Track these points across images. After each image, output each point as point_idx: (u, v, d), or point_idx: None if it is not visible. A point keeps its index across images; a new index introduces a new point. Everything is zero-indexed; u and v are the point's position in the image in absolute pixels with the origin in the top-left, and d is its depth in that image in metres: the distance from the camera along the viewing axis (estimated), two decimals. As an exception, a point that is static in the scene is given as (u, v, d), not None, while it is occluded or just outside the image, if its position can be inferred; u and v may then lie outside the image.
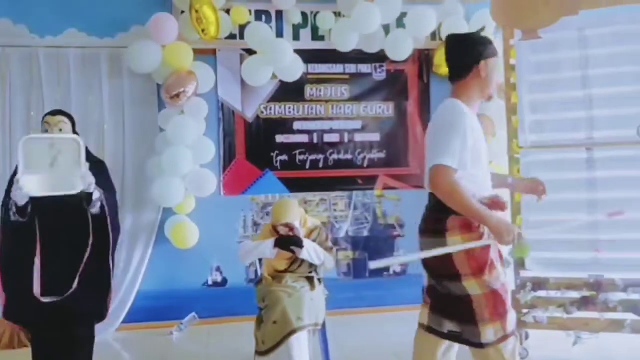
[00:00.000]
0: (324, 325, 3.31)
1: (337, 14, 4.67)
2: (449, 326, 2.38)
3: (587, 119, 3.56)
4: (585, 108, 3.56)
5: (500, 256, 2.40)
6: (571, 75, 3.58)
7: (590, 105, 3.55)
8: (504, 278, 2.36)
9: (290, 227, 3.18)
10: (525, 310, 3.61)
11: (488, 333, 2.27)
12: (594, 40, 3.52)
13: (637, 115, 3.41)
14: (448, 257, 2.28)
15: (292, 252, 3.18)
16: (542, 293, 3.64)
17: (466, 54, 2.35)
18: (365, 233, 4.92)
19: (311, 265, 3.28)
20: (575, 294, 3.56)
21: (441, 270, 2.35)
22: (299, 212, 3.32)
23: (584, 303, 3.51)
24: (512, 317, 2.34)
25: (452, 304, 2.35)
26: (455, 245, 2.28)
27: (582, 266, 3.57)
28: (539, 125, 3.68)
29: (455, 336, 2.37)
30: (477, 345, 2.29)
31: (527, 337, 3.90)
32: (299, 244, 3.15)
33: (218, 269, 4.66)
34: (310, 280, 3.26)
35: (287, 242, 3.17)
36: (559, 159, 3.64)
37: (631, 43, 3.43)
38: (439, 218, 2.37)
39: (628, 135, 3.44)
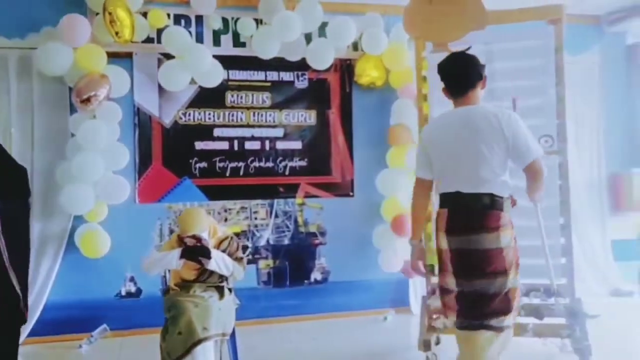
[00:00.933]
0: (233, 334, 3.26)
1: (258, 21, 4.66)
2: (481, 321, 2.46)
3: (493, 130, 3.69)
4: (491, 119, 3.69)
5: None
6: (479, 88, 3.71)
7: (496, 116, 3.68)
8: None
9: (197, 239, 3.12)
10: (435, 316, 3.69)
11: (509, 320, 2.46)
12: (499, 55, 3.67)
13: (538, 127, 3.56)
14: (500, 253, 2.43)
15: (200, 263, 3.12)
16: (451, 298, 3.73)
17: (478, 67, 2.58)
18: (286, 241, 4.90)
19: (221, 275, 3.23)
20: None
21: (490, 267, 2.43)
22: (208, 221, 3.25)
23: (490, 308, 3.61)
24: None
25: (486, 302, 2.44)
26: (506, 240, 2.44)
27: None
28: (449, 135, 3.79)
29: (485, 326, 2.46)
30: (497, 329, 2.44)
31: (438, 342, 4.00)
32: (207, 255, 3.09)
33: (132, 279, 4.52)
34: (219, 289, 3.20)
35: (194, 252, 3.10)
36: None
37: (532, 58, 3.60)
38: (494, 215, 2.45)
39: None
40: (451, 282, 2.54)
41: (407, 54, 4.66)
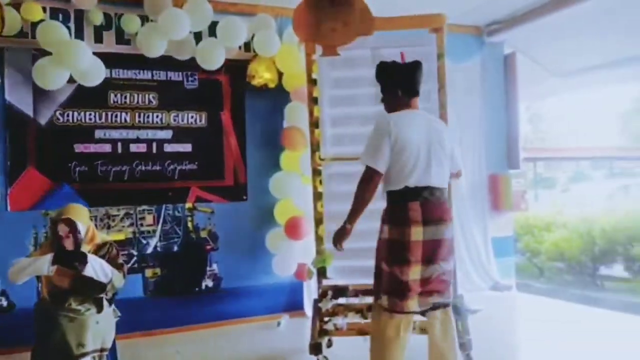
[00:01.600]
0: (113, 349, 3.06)
1: (144, 18, 4.45)
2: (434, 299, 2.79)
3: (381, 133, 3.77)
4: (379, 123, 3.77)
5: None
6: (367, 92, 3.77)
7: (383, 120, 3.76)
8: None
9: (71, 226, 2.85)
10: (326, 318, 3.70)
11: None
12: (386, 60, 3.74)
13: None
14: (452, 240, 2.82)
15: (75, 268, 2.87)
16: (342, 300, 3.76)
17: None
18: (176, 248, 4.71)
19: (99, 284, 3.00)
20: (371, 299, 3.72)
21: (450, 253, 2.80)
22: (87, 221, 3.01)
23: (380, 308, 3.68)
24: None
25: (445, 283, 2.81)
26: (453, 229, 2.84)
27: (377, 273, 3.76)
28: (339, 138, 3.82)
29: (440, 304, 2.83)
30: (448, 305, 2.89)
31: (330, 345, 4.01)
32: (82, 260, 2.85)
33: (3, 293, 4.13)
34: (97, 301, 2.98)
35: (69, 257, 2.86)
36: (358, 171, 3.80)
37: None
38: (449, 208, 2.94)
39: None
40: (417, 271, 2.71)
41: (300, 56, 4.65)
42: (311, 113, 3.85)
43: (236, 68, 4.84)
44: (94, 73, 4.22)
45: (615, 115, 33.16)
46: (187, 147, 4.75)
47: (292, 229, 4.70)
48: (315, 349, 3.55)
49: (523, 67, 6.08)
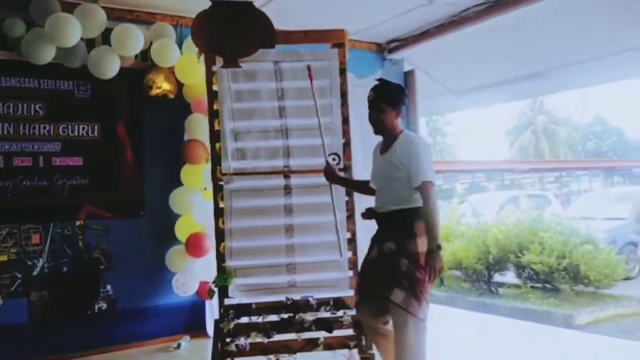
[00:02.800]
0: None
1: (30, 22, 4.12)
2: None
3: (284, 147, 3.73)
4: (282, 137, 3.73)
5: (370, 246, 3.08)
6: (269, 105, 3.73)
7: (286, 134, 3.73)
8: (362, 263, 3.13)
9: None
10: (228, 339, 3.57)
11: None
12: (288, 74, 3.72)
13: (326, 146, 3.67)
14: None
15: None
16: (244, 319, 3.65)
17: None
18: (65, 269, 4.37)
19: None
20: (275, 317, 3.65)
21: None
22: None
23: (283, 325, 3.61)
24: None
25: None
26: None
27: (280, 289, 3.70)
28: (241, 152, 3.73)
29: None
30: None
31: (233, 366, 3.88)
32: None
33: None
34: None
35: None
36: (259, 186, 3.74)
37: (320, 78, 3.70)
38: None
39: (319, 163, 3.69)
40: None
41: (200, 67, 4.51)
42: (212, 126, 3.72)
43: (133, 78, 4.59)
44: (-29, 79, 3.85)
45: (505, 131, 35.61)
46: (78, 161, 4.44)
47: (194, 246, 4.52)
48: (216, 371, 3.41)
49: (423, 83, 6.30)
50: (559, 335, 4.88)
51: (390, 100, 3.02)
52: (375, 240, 3.02)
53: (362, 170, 5.77)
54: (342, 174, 3.69)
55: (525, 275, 8.41)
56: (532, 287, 8.17)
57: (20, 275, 4.19)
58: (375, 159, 3.17)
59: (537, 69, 5.79)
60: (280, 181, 3.73)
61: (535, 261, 7.96)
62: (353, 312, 3.67)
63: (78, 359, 4.27)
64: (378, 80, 3.13)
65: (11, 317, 4.11)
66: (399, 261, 2.80)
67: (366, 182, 3.28)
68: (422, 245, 2.81)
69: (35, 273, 4.25)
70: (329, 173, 3.39)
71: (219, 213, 3.70)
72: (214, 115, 3.72)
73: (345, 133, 3.77)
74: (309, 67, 3.50)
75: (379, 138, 3.17)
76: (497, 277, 8.76)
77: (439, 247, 2.75)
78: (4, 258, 4.13)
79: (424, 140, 3.01)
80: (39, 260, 4.27)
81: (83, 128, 4.47)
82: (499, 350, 4.23)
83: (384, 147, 3.06)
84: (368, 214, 3.13)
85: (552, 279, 7.94)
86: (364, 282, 3.08)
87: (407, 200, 2.89)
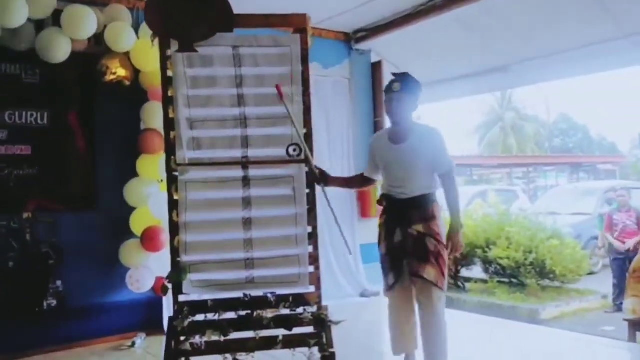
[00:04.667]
0: None
1: (-29, 1, 3.86)
2: None
3: (242, 137, 3.55)
4: (240, 126, 3.55)
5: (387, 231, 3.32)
6: (227, 93, 3.54)
7: (245, 123, 3.55)
8: (383, 249, 3.36)
9: None
10: (182, 338, 3.39)
11: None
12: (247, 60, 3.54)
13: (286, 136, 3.52)
14: None
15: None
16: (200, 317, 3.48)
17: None
18: (11, 264, 4.12)
19: None
20: (232, 315, 3.48)
21: None
22: None
23: (241, 323, 3.45)
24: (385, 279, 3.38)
25: None
26: None
27: (238, 285, 3.53)
28: (197, 142, 3.54)
29: None
30: None
31: (188, 366, 3.70)
32: None
33: None
34: None
35: None
36: (216, 177, 3.55)
37: (280, 65, 3.54)
38: None
39: (279, 154, 3.54)
40: None
41: (157, 52, 4.30)
42: (166, 114, 3.51)
43: (85, 63, 4.36)
44: None
45: (474, 127, 35.96)
46: (25, 150, 4.20)
47: (149, 240, 4.33)
48: (168, 372, 3.23)
49: (390, 75, 6.18)
50: (524, 330, 4.84)
51: (410, 91, 3.21)
52: (397, 224, 3.21)
53: (326, 161, 5.69)
54: (302, 165, 3.55)
55: (492, 270, 8.40)
56: (498, 282, 8.17)
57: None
58: (385, 149, 3.32)
59: (503, 62, 5.73)
60: (238, 172, 3.54)
61: (502, 256, 7.95)
62: (313, 309, 3.54)
63: (25, 359, 4.04)
64: (401, 74, 3.30)
65: None
66: (427, 241, 3.11)
67: (356, 177, 3.65)
68: (440, 225, 3.17)
69: (-23, 269, 4.00)
70: (320, 177, 3.46)
71: (173, 205, 3.51)
72: (168, 102, 3.51)
73: (307, 123, 3.60)
74: (277, 87, 3.38)
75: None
76: (464, 272, 8.74)
77: (461, 227, 3.17)
78: (-56, 252, 3.87)
79: (435, 128, 3.28)
80: (-18, 256, 4.02)
81: (31, 115, 4.23)
82: (463, 346, 4.15)
83: (399, 138, 3.24)
84: (384, 200, 3.33)
85: (518, 274, 7.95)
86: (395, 264, 3.25)
87: (429, 186, 3.20)
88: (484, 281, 8.44)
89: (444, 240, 3.17)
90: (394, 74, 3.33)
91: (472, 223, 8.56)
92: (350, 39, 5.95)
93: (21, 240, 4.17)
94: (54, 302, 4.27)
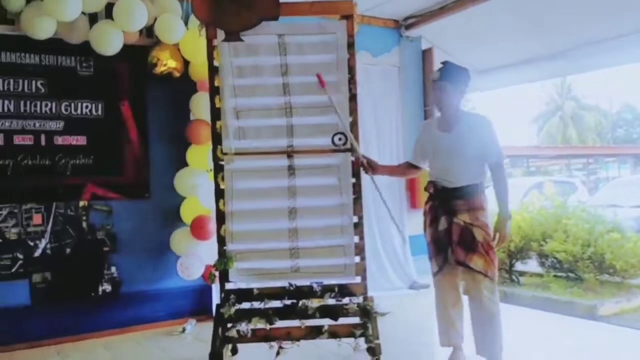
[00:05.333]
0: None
1: (29, -4, 4.00)
2: None
3: (287, 126, 3.54)
4: (286, 115, 3.54)
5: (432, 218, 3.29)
6: (273, 82, 3.53)
7: (290, 112, 3.54)
8: (428, 236, 3.34)
9: None
10: (229, 325, 3.43)
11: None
12: (293, 48, 3.52)
13: (332, 124, 3.49)
14: None
15: None
16: (246, 305, 3.51)
17: None
18: (69, 250, 4.28)
19: None
20: (277, 303, 3.50)
21: None
22: None
23: (286, 311, 3.46)
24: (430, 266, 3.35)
25: None
26: None
27: (283, 274, 3.54)
28: (243, 131, 3.55)
29: None
30: None
31: (235, 352, 3.75)
32: None
33: None
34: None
35: None
36: (262, 166, 3.56)
37: (326, 53, 3.50)
38: None
39: (325, 143, 3.51)
40: None
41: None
42: (213, 103, 3.55)
43: (137, 54, 4.45)
44: (-31, 55, 3.75)
45: (533, 117, 34.82)
46: (81, 140, 4.33)
47: (199, 229, 4.40)
48: (216, 358, 3.27)
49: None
50: (582, 327, 4.64)
51: (452, 79, 3.16)
52: (443, 212, 3.18)
53: (375, 151, 5.61)
54: (348, 154, 3.52)
55: (548, 264, 8.08)
56: (554, 276, 7.86)
57: (21, 257, 4.11)
58: (433, 137, 3.28)
59: (561, 47, 5.48)
60: (283, 162, 3.54)
61: (558, 249, 7.63)
62: (359, 299, 3.51)
63: (81, 342, 4.20)
64: (444, 62, 3.25)
65: (12, 299, 4.04)
66: (474, 231, 3.07)
67: (402, 165, 3.61)
68: (487, 216, 3.14)
69: (37, 254, 4.17)
70: (367, 166, 3.43)
71: (219, 194, 3.55)
72: (215, 92, 3.55)
73: (353, 111, 3.55)
74: (318, 75, 3.35)
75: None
76: (519, 266, 8.47)
77: (509, 217, 3.11)
78: (5, 239, 4.05)
79: (487, 117, 3.21)
80: (41, 241, 4.18)
81: (86, 106, 4.35)
82: (518, 341, 4.01)
83: (447, 126, 3.21)
84: (431, 187, 3.27)
85: (575, 268, 7.61)
86: (439, 251, 3.23)
87: (477, 176, 3.15)
88: (539, 275, 8.15)
89: (491, 231, 3.12)
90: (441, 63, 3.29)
91: (527, 215, 8.28)
92: (400, 26, 5.83)
93: (78, 228, 4.32)
94: (108, 288, 4.41)
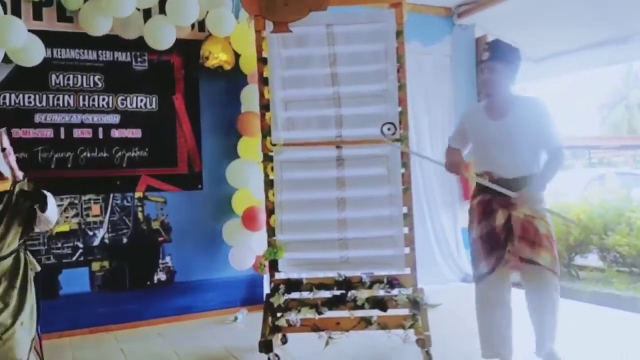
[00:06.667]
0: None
1: (87, -6, 4.14)
2: None
3: (336, 116, 3.53)
4: (334, 105, 3.52)
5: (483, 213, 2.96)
6: (321, 72, 3.53)
7: (339, 102, 3.52)
8: (477, 232, 2.98)
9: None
10: (279, 314, 3.46)
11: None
12: (341, 38, 3.50)
13: (380, 114, 3.45)
14: None
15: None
16: (295, 295, 3.53)
17: None
18: (125, 240, 4.43)
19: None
20: (326, 294, 3.50)
21: None
22: None
23: (335, 302, 3.46)
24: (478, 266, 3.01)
25: None
26: None
27: (332, 265, 3.54)
28: (291, 122, 3.57)
29: None
30: None
31: (285, 341, 3.79)
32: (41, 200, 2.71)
33: None
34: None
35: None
36: (311, 157, 3.57)
37: (374, 42, 3.47)
38: None
39: (374, 133, 3.48)
40: None
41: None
42: (262, 95, 3.59)
43: (189, 48, 4.55)
44: (32, 52, 3.91)
45: (597, 106, 33.38)
46: (136, 133, 4.45)
47: (250, 220, 4.45)
48: (266, 346, 3.31)
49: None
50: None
51: (503, 59, 2.87)
52: (499, 205, 2.89)
53: (427, 142, 5.52)
54: (397, 144, 3.46)
55: (610, 258, 7.74)
56: (617, 271, 7.52)
57: (81, 245, 4.28)
58: (482, 125, 2.99)
59: (622, 32, 5.20)
60: (332, 152, 3.54)
61: (621, 243, 7.30)
62: (409, 291, 3.47)
63: (136, 329, 4.34)
64: (493, 41, 2.99)
65: (73, 287, 4.22)
66: (537, 224, 2.82)
67: (458, 152, 3.19)
68: (545, 208, 2.90)
69: (96, 243, 4.33)
70: (454, 164, 3.11)
71: (269, 185, 3.58)
72: (263, 83, 3.58)
73: (402, 101, 3.50)
74: None
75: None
76: (578, 260, 8.16)
77: (543, 189, 2.86)
78: (66, 228, 4.23)
79: (543, 101, 2.95)
80: (99, 231, 4.35)
81: (141, 100, 4.48)
82: (578, 338, 3.87)
83: (497, 112, 2.92)
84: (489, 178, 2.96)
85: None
86: (494, 249, 2.91)
87: (535, 165, 2.89)
88: (601, 270, 7.82)
89: (552, 224, 2.89)
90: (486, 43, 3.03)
91: (588, 207, 7.96)
92: (452, 14, 5.69)
93: (134, 218, 4.46)
94: (163, 277, 4.54)
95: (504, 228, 2.88)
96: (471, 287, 5.39)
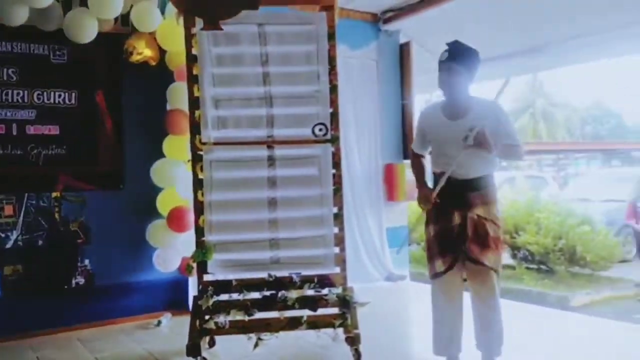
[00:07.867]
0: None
1: (0, -20, 3.88)
2: None
3: (268, 116, 3.53)
4: (266, 105, 3.52)
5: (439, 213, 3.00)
6: (252, 71, 3.51)
7: (270, 102, 3.52)
8: (433, 231, 3.04)
9: None
10: (207, 317, 3.40)
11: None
12: (273, 38, 3.49)
13: (312, 115, 3.48)
14: None
15: None
16: (224, 296, 3.48)
17: None
18: (40, 242, 4.18)
19: None
20: (256, 295, 3.48)
21: None
22: None
23: (265, 303, 3.45)
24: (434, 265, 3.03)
25: None
26: None
27: (263, 265, 3.52)
28: (222, 121, 3.52)
29: None
30: None
31: (213, 344, 3.73)
32: None
33: None
34: None
35: None
36: (241, 156, 3.54)
37: (306, 43, 3.49)
38: None
39: (305, 134, 3.51)
40: None
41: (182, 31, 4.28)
42: (191, 92, 3.51)
43: (112, 43, 4.35)
44: (-64, 40, 3.62)
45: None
46: (54, 130, 4.22)
47: (176, 220, 4.34)
48: (193, 350, 3.24)
49: (420, 57, 6.05)
50: (554, 317, 4.73)
51: (464, 62, 2.89)
52: (455, 206, 2.94)
53: (354, 143, 5.62)
54: (328, 145, 3.51)
55: (520, 256, 8.28)
56: (526, 268, 8.04)
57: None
58: (439, 125, 3.01)
59: (538, 42, 5.55)
60: (263, 152, 3.53)
61: (530, 242, 7.82)
62: (338, 290, 3.51)
63: (54, 335, 4.11)
64: (452, 42, 2.97)
65: None
66: (488, 226, 2.91)
67: (418, 161, 3.20)
68: (499, 210, 3.01)
69: (8, 246, 4.06)
70: (426, 198, 3.01)
71: (198, 185, 3.51)
72: (193, 80, 3.50)
73: (333, 102, 3.55)
74: None
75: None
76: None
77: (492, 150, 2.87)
78: (-25, 230, 3.95)
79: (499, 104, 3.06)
80: (12, 233, 4.08)
81: (59, 95, 4.25)
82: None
83: (456, 113, 2.95)
84: (440, 180, 2.97)
85: (547, 260, 7.81)
86: (449, 248, 2.96)
87: (489, 166, 2.98)
88: (512, 267, 8.31)
89: (502, 224, 3.00)
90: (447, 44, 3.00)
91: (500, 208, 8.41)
92: (378, 20, 5.83)
93: (50, 219, 4.23)
94: (82, 281, 4.33)
95: (460, 228, 2.93)
96: (395, 285, 5.60)
